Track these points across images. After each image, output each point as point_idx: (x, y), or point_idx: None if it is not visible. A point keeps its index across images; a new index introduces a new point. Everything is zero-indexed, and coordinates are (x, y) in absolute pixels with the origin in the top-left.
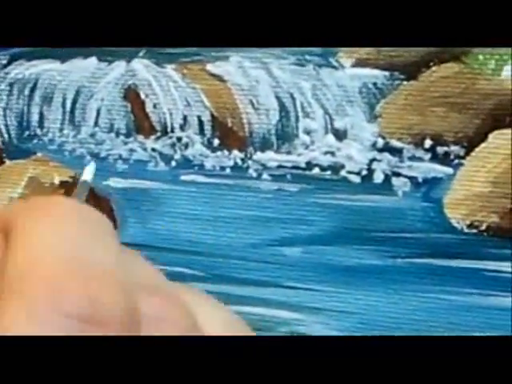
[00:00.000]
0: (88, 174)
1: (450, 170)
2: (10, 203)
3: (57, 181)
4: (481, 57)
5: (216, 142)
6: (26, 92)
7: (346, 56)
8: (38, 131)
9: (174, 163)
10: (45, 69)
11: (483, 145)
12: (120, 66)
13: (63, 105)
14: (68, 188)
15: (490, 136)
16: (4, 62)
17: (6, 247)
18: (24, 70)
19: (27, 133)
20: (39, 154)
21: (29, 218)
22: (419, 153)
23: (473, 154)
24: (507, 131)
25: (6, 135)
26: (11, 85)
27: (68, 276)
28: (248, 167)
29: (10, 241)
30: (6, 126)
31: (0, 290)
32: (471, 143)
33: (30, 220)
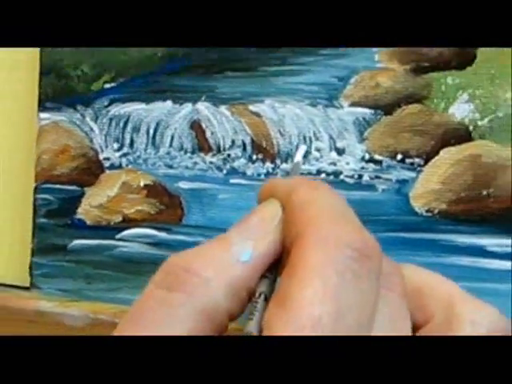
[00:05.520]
0: (299, 155)
1: (413, 174)
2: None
3: (142, 184)
4: (435, 100)
5: (254, 157)
6: (121, 124)
7: (345, 100)
8: (130, 150)
9: (225, 171)
10: (134, 108)
11: (436, 157)
12: (188, 107)
13: (147, 132)
14: (149, 188)
15: (441, 152)
16: (106, 103)
17: (284, 209)
18: (120, 109)
19: (121, 152)
20: (130, 166)
21: (307, 188)
22: (393, 163)
23: (429, 163)
24: (452, 148)
25: (106, 153)
26: (111, 119)
27: (346, 222)
28: (277, 173)
29: (290, 203)
30: (107, 147)
31: (288, 230)
32: (428, 156)
33: (309, 189)
